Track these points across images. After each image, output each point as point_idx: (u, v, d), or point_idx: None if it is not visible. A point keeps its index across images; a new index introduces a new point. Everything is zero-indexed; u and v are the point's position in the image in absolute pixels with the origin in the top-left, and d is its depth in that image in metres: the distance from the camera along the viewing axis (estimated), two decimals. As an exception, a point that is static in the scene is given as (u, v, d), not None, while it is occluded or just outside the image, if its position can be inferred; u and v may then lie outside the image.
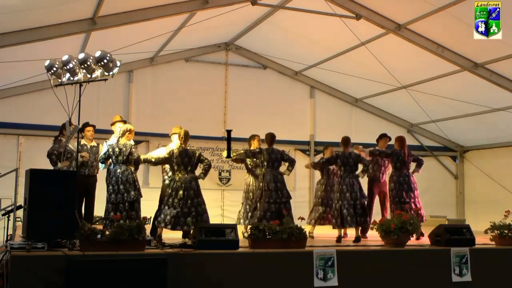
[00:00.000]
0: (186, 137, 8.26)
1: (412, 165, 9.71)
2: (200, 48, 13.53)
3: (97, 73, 7.80)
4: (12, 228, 8.51)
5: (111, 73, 7.84)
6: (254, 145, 9.39)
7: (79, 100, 7.66)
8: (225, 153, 9.26)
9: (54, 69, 7.82)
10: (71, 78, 7.85)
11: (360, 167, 9.17)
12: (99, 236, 5.98)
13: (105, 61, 7.61)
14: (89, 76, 7.80)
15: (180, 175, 8.03)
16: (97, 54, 7.63)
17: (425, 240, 8.11)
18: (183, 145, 8.19)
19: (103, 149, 9.02)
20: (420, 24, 10.22)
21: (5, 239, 8.72)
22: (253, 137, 9.54)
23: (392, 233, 7.17)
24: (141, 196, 8.27)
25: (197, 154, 8.18)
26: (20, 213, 7.77)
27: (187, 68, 13.60)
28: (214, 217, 9.03)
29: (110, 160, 8.39)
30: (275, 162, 8.92)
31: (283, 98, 14.28)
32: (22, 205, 6.59)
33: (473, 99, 11.92)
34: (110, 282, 5.52)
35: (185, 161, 8.07)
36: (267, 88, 14.19)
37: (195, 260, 6.10)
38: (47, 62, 7.88)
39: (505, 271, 7.49)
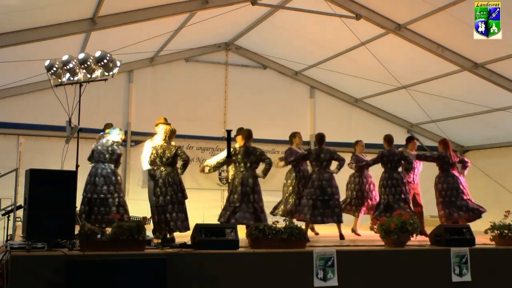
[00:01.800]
0: (250, 136, 8.83)
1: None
2: (200, 48, 13.52)
3: (97, 73, 7.81)
4: (12, 228, 8.51)
5: (111, 73, 7.86)
6: (296, 142, 9.85)
7: (79, 100, 7.67)
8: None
9: (54, 69, 7.84)
10: (71, 78, 7.87)
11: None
12: (99, 236, 5.99)
13: (105, 61, 7.62)
14: (89, 76, 7.82)
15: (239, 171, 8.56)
16: (97, 54, 7.65)
17: (425, 240, 8.12)
18: (246, 144, 8.69)
19: (145, 150, 9.05)
20: (420, 24, 10.22)
21: (5, 239, 8.71)
22: (294, 135, 9.97)
23: (392, 233, 7.18)
24: (186, 198, 8.31)
25: (258, 152, 8.73)
26: (20, 213, 7.76)
27: (187, 68, 13.60)
28: (214, 217, 9.04)
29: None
30: (323, 162, 9.15)
31: (283, 98, 14.28)
32: (22, 205, 6.59)
33: (473, 99, 11.92)
34: (110, 282, 5.53)
35: (251, 158, 8.62)
36: (267, 88, 14.19)
37: (195, 260, 6.10)
38: (47, 62, 7.89)
39: (505, 271, 7.49)
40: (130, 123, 12.77)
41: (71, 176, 6.31)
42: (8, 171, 8.31)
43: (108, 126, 9.51)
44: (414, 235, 7.44)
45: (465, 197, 9.48)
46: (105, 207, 8.71)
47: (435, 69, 11.69)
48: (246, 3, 9.89)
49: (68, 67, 7.69)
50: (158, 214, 8.04)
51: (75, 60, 7.71)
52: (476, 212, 9.37)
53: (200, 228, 6.62)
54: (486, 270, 7.38)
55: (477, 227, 8.19)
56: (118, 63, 7.95)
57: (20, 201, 7.63)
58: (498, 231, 7.83)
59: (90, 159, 9.12)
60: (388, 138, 9.77)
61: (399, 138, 14.59)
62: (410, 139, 10.51)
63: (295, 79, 14.49)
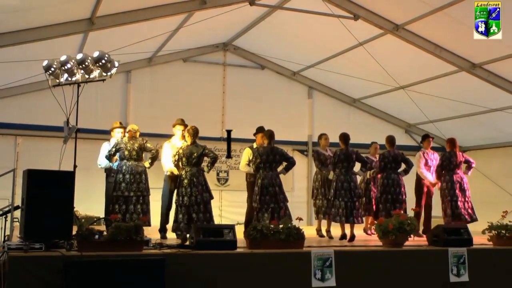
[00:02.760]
0: (272, 136, 8.71)
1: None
2: (198, 48, 13.53)
3: (95, 73, 7.80)
4: (10, 229, 8.50)
5: (109, 73, 7.85)
6: (322, 144, 9.86)
7: (77, 101, 7.66)
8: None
9: (52, 69, 7.83)
10: (69, 79, 7.86)
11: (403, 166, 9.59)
12: (97, 236, 5.98)
13: (103, 61, 7.61)
14: (87, 76, 7.81)
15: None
16: (95, 54, 7.64)
17: (423, 240, 8.13)
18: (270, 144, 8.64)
19: (165, 152, 9.10)
20: (418, 25, 10.23)
21: (2, 239, 8.70)
22: (320, 136, 10.03)
23: (390, 233, 7.18)
24: (213, 198, 8.43)
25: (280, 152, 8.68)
26: (17, 213, 7.75)
27: (185, 68, 13.61)
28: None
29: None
30: (344, 163, 9.03)
31: (281, 98, 14.29)
32: (20, 205, 6.58)
33: (470, 100, 11.94)
34: (108, 282, 5.51)
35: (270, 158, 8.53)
36: (265, 89, 14.20)
37: (193, 261, 6.09)
38: (45, 62, 7.88)
39: (503, 271, 7.49)
40: (128, 123, 12.73)
41: (69, 176, 6.30)
42: (6, 171, 8.31)
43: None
44: (412, 235, 7.45)
45: (467, 199, 9.53)
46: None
47: (432, 70, 11.71)
48: (244, 4, 9.89)
49: (66, 67, 7.68)
50: (182, 214, 8.08)
51: (73, 61, 7.70)
52: (474, 217, 9.43)
53: (198, 229, 6.62)
54: (484, 271, 7.38)
55: (475, 227, 8.20)
56: (116, 64, 7.94)
57: (18, 201, 7.61)
58: (496, 232, 7.83)
59: None
60: (391, 140, 9.71)
61: (397, 139, 14.65)
62: (425, 137, 10.47)
63: (293, 80, 14.50)
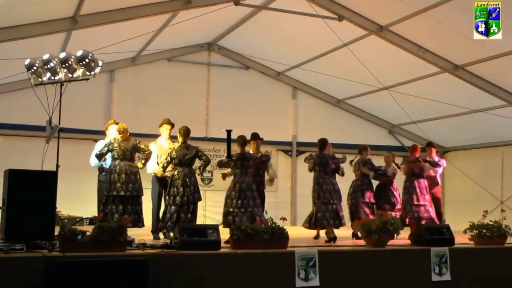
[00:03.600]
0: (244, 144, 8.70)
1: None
2: (183, 48, 13.50)
3: (79, 72, 7.75)
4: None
5: (92, 72, 7.80)
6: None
7: (60, 100, 7.61)
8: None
9: (35, 68, 7.76)
10: (52, 78, 7.80)
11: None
12: (79, 237, 5.93)
13: (87, 60, 7.56)
14: (70, 75, 7.75)
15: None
16: (79, 53, 7.58)
17: (406, 240, 8.18)
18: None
19: (153, 150, 9.03)
20: (401, 26, 10.30)
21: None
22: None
23: (374, 233, 7.22)
24: (200, 199, 8.61)
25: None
26: (-2, 214, 7.67)
27: (169, 68, 13.57)
28: (198, 218, 9.03)
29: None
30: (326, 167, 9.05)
31: (265, 98, 14.30)
32: (0, 206, 6.50)
33: (453, 101, 12.05)
34: (91, 283, 5.47)
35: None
36: (250, 89, 14.19)
37: (177, 261, 6.07)
38: (27, 61, 7.81)
39: (483, 270, 7.56)
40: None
41: (51, 176, 6.24)
42: (-13, 171, 8.19)
43: None
44: (396, 235, 7.50)
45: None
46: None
47: (416, 71, 11.80)
48: (229, 4, 9.89)
49: (48, 66, 7.62)
50: (170, 213, 8.07)
51: (56, 59, 7.64)
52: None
53: (182, 229, 6.60)
54: (465, 269, 7.45)
55: (457, 227, 8.27)
56: (100, 63, 7.90)
57: (-1, 201, 7.54)
58: (477, 231, 7.91)
59: None
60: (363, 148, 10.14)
61: (381, 139, 14.79)
62: (428, 145, 10.73)
63: (277, 80, 14.52)
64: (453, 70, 11.15)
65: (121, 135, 8.59)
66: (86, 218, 9.87)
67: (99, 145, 8.99)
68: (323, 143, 9.20)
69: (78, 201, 10.92)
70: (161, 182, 8.86)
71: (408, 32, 10.51)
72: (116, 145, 8.52)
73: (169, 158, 8.44)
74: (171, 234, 7.79)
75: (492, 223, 7.89)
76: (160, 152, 8.96)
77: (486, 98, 11.61)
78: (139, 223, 8.41)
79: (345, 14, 10.26)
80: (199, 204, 12.79)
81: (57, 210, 6.87)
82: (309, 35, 11.66)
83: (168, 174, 8.64)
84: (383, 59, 11.71)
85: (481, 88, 11.37)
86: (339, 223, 8.91)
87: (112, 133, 9.04)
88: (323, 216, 8.81)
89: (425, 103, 12.51)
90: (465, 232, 8.02)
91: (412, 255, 7.33)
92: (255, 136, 9.12)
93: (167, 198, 8.34)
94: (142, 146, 8.70)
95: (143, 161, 8.78)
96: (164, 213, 8.30)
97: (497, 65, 10.49)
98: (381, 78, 11.90)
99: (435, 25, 9.83)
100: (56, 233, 5.96)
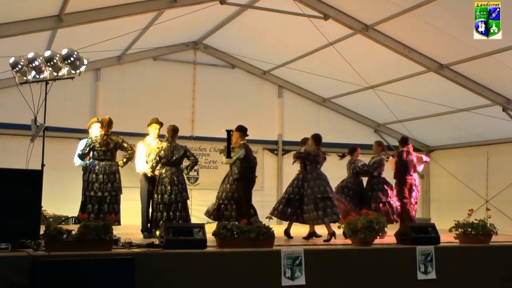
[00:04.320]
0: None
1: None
2: (168, 46, 13.47)
3: (64, 71, 7.71)
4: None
5: (78, 71, 7.78)
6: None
7: (45, 99, 7.57)
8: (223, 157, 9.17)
9: (19, 66, 7.71)
10: (37, 76, 7.75)
11: None
12: (65, 236, 5.90)
13: (72, 59, 7.54)
14: (55, 74, 7.71)
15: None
16: (64, 52, 7.55)
17: (392, 239, 8.22)
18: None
19: (138, 151, 9.03)
20: (387, 25, 10.35)
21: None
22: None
23: (359, 232, 7.25)
24: (188, 198, 8.69)
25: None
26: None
27: (155, 67, 13.53)
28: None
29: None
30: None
31: (251, 97, 14.31)
32: (-15, 205, 6.45)
33: (438, 100, 12.13)
34: (76, 282, 5.45)
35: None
36: (235, 88, 14.20)
37: (163, 260, 6.06)
38: (12, 59, 7.75)
39: (469, 268, 7.62)
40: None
41: (37, 175, 6.20)
42: (-29, 170, 8.11)
43: None
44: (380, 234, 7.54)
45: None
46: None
47: (401, 70, 11.86)
48: (214, 2, 9.87)
49: (33, 64, 7.58)
50: (160, 212, 8.06)
51: (41, 58, 7.60)
52: None
53: (168, 228, 6.58)
54: (451, 268, 7.50)
55: (442, 225, 8.33)
56: (85, 61, 7.87)
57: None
58: (462, 230, 7.97)
59: None
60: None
61: (366, 138, 14.85)
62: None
63: (263, 79, 14.53)
64: (439, 70, 11.22)
65: (103, 137, 8.48)
66: (72, 217, 9.81)
67: (82, 144, 8.94)
68: (318, 138, 9.26)
69: (63, 200, 10.85)
70: (150, 181, 8.85)
71: (394, 31, 10.57)
72: (97, 144, 8.45)
73: (157, 158, 8.43)
74: None
75: (477, 221, 7.95)
76: (148, 151, 8.94)
77: (471, 97, 11.70)
78: (115, 221, 8.35)
79: (331, 13, 10.29)
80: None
81: (42, 209, 6.83)
82: (295, 34, 11.69)
83: (156, 173, 8.64)
84: (369, 58, 11.76)
85: (466, 87, 11.45)
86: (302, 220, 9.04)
87: (95, 132, 8.99)
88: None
89: (411, 102, 12.59)
90: (450, 230, 8.07)
91: (397, 254, 7.36)
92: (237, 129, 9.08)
93: (155, 196, 8.36)
94: (125, 145, 8.63)
95: (124, 160, 8.70)
96: (154, 212, 8.28)
97: (482, 65, 10.57)
98: (366, 77, 11.95)
99: (420, 25, 9.89)
100: (42, 232, 5.92)
